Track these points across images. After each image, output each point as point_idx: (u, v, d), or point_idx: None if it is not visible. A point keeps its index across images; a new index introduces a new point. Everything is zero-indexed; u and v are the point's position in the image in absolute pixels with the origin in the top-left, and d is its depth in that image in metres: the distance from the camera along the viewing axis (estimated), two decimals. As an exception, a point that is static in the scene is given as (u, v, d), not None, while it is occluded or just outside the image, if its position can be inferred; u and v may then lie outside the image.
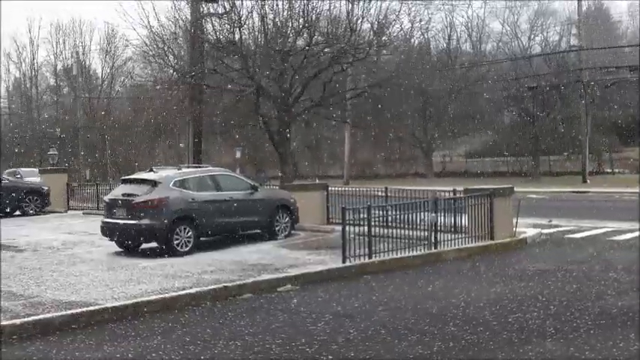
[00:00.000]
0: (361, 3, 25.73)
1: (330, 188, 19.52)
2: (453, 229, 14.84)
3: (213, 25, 25.34)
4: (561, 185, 34.21)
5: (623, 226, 17.45)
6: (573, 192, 30.69)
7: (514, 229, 15.38)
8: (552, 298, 9.67)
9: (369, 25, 26.46)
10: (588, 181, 35.50)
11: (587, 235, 16.43)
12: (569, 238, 16.10)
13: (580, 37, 40.50)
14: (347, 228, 12.43)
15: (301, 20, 25.56)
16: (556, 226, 17.85)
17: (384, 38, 28.00)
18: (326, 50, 26.15)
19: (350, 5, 25.46)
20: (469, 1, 68.35)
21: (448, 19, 56.98)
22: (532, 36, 55.55)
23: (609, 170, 42.61)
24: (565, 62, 41.56)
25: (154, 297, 9.82)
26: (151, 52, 27.09)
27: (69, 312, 8.96)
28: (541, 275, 11.47)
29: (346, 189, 21.57)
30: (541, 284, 10.68)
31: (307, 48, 25.48)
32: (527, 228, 16.32)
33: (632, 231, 16.45)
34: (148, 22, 25.56)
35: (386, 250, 12.99)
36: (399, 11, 27.11)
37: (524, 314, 8.75)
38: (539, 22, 58.02)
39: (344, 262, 12.24)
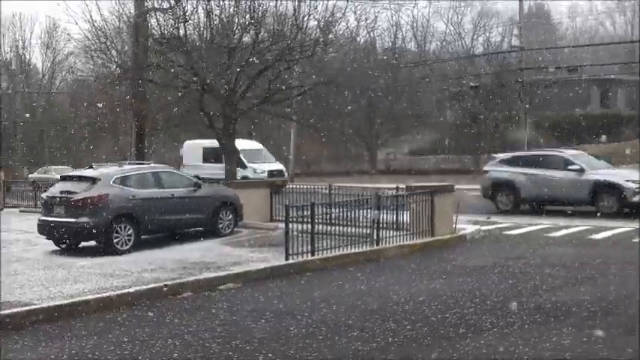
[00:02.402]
0: (308, 1, 25.79)
1: (275, 185, 19.54)
2: (395, 226, 15.03)
3: (157, 20, 24.95)
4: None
5: (559, 222, 17.93)
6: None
7: (454, 225, 15.66)
8: (489, 293, 9.88)
9: (316, 22, 26.54)
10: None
11: (525, 231, 16.83)
12: (507, 234, 16.48)
13: (521, 37, 41.40)
14: (290, 225, 12.45)
15: (247, 17, 25.41)
16: (494, 222, 18.24)
17: (330, 36, 28.10)
18: (272, 47, 26.06)
19: (297, 3, 25.47)
20: (415, 1, 69.21)
21: (394, 18, 57.70)
22: (475, 36, 56.67)
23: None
24: (506, 62, 42.44)
25: (90, 296, 9.64)
26: (93, 47, 26.51)
27: (3, 312, 8.72)
28: (479, 271, 11.71)
29: (291, 186, 21.58)
30: (479, 280, 10.91)
31: (253, 45, 25.35)
32: (467, 225, 16.62)
33: (566, 227, 16.92)
34: (91, 17, 24.94)
35: (329, 247, 13.07)
36: (346, 9, 27.22)
37: (462, 309, 8.92)
38: (482, 23, 59.25)
39: (287, 259, 12.25)
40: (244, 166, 30.51)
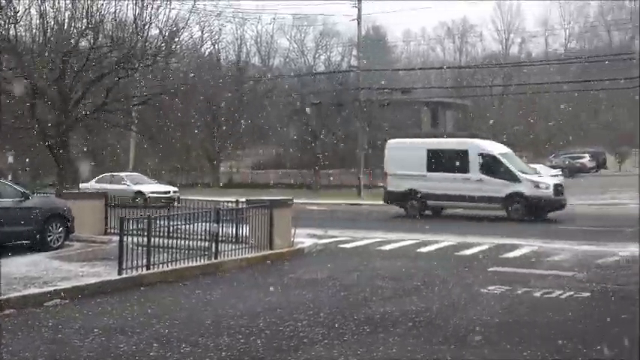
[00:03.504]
0: (149, 8, 25.29)
1: (111, 197, 18.87)
2: (234, 240, 15.05)
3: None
4: (339, 198, 36.06)
5: (390, 236, 18.81)
6: (349, 204, 32.50)
7: (292, 239, 15.95)
8: (323, 305, 10.17)
9: (158, 30, 26.09)
10: (363, 194, 37.72)
11: (359, 245, 17.47)
12: (343, 247, 17.02)
13: (359, 58, 43.08)
14: (125, 238, 12.10)
15: (85, 21, 24.47)
16: (331, 236, 18.78)
17: (173, 46, 27.70)
18: (111, 54, 25.23)
19: (137, 10, 24.89)
20: (259, 15, 69.94)
21: (239, 32, 57.89)
22: (317, 54, 58.24)
23: (382, 185, 45.59)
24: (346, 81, 43.98)
25: None
26: None
27: None
28: (314, 283, 12.01)
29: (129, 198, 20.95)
30: (313, 292, 11.19)
31: (90, 50, 24.41)
32: (305, 238, 16.99)
33: (396, 241, 17.78)
34: None
35: (166, 260, 12.83)
36: (188, 19, 27.02)
37: (296, 322, 9.10)
38: (323, 42, 61.03)
39: (120, 273, 11.86)
40: (515, 178, 23.39)
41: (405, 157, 25.07)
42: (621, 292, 11.14)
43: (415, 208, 24.81)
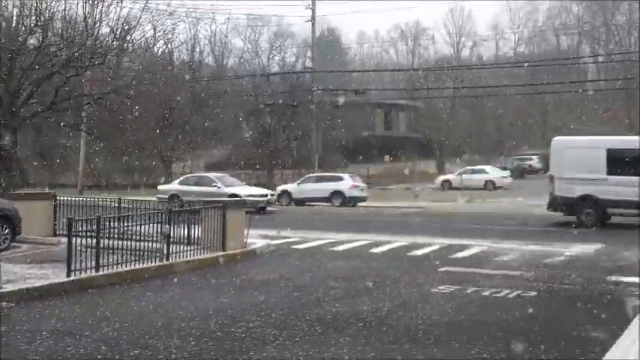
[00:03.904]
0: (100, 7, 24.90)
1: (60, 198, 18.53)
2: (186, 241, 14.93)
3: None
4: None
5: (343, 237, 18.91)
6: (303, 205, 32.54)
7: (245, 240, 15.91)
8: (275, 306, 10.18)
9: (109, 29, 25.70)
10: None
11: (312, 245, 17.51)
12: (296, 248, 17.04)
13: (313, 59, 43.19)
14: (74, 240, 11.89)
15: (33, 18, 23.96)
16: (284, 237, 18.80)
17: (124, 45, 27.32)
18: (60, 52, 24.76)
19: (87, 8, 24.48)
20: (213, 15, 69.48)
21: (192, 31, 57.39)
22: (271, 55, 58.15)
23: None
24: (300, 82, 44.04)
25: None
26: None
27: None
28: (266, 284, 12.01)
29: (79, 199, 20.57)
30: (265, 293, 11.18)
31: (39, 48, 23.92)
32: (258, 239, 16.96)
33: (349, 242, 17.89)
34: None
35: (116, 262, 12.66)
36: (140, 18, 26.71)
37: (248, 323, 9.09)
38: (278, 43, 60.98)
39: (68, 276, 11.65)
40: None
41: (577, 157, 21.65)
42: (567, 292, 11.44)
43: (592, 216, 21.56)
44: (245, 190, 28.72)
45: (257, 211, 25.28)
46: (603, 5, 79.23)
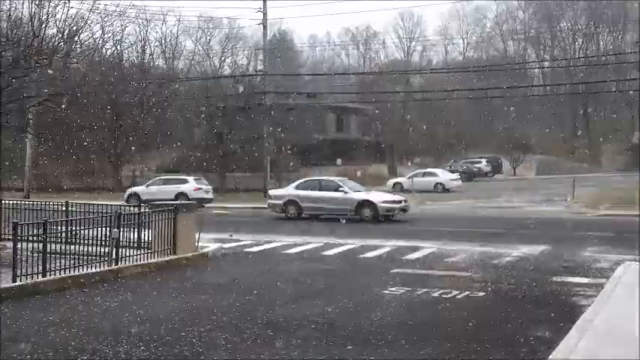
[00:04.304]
0: (47, 7, 24.39)
1: (5, 201, 18.08)
2: (136, 245, 14.73)
3: None
4: (245, 201, 35.95)
5: (296, 239, 18.93)
6: (255, 208, 32.45)
7: (196, 243, 15.78)
8: (226, 309, 10.13)
9: (56, 29, 25.21)
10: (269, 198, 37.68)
11: (264, 248, 17.50)
12: (248, 251, 17.00)
13: (265, 62, 43.14)
14: (20, 244, 11.64)
15: (-24, 18, 23.33)
16: (237, 240, 18.72)
17: (72, 45, 26.80)
18: (4, 53, 24.13)
19: (34, 7, 23.95)
20: (163, 17, 68.73)
21: (142, 32, 56.67)
22: (223, 57, 57.83)
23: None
24: (251, 85, 43.90)
25: None
26: None
27: None
28: (218, 288, 11.95)
29: (26, 202, 20.14)
30: (217, 297, 11.13)
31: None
32: (209, 243, 16.84)
33: (302, 244, 17.93)
34: None
35: (64, 267, 12.42)
36: (87, 18, 26.26)
37: (199, 327, 9.03)
38: (229, 46, 60.70)
39: (14, 281, 11.38)
40: None
41: None
42: (514, 292, 11.68)
43: None
44: (379, 197, 25.44)
45: (385, 219, 23.94)
46: (548, 13, 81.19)
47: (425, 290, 11.58)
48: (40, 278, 11.78)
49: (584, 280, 12.54)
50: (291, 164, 47.10)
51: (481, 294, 11.37)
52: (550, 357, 7.35)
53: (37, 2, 23.84)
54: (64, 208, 18.25)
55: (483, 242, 18.13)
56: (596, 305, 9.75)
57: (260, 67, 46.90)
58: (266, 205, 28.39)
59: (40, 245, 12.14)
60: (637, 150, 57.80)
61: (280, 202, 26.37)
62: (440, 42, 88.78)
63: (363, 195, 25.28)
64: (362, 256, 16.03)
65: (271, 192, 28.92)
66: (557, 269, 13.87)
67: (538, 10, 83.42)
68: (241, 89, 42.39)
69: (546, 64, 76.28)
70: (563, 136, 71.75)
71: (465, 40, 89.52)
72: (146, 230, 15.07)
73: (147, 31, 62.11)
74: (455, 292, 11.37)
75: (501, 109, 66.49)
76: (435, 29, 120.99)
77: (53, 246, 12.69)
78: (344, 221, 23.85)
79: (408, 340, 8.43)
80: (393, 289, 11.74)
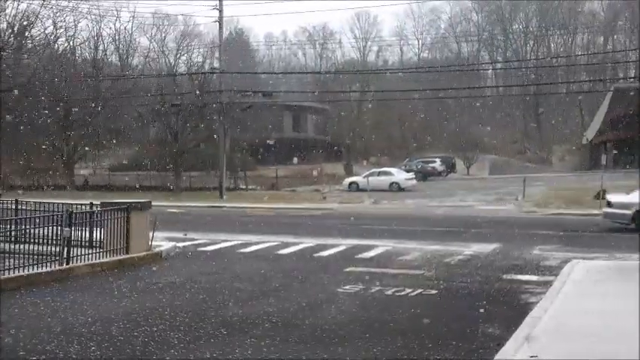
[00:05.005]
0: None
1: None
2: (88, 244, 14.52)
3: None
4: (200, 200, 35.68)
5: (252, 238, 18.89)
6: (211, 207, 32.26)
7: (150, 242, 15.61)
8: (180, 309, 10.07)
9: (6, 24, 24.64)
10: (225, 196, 37.56)
11: (220, 247, 17.41)
12: (203, 250, 16.89)
13: (221, 60, 42.83)
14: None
15: None
16: (191, 239, 18.58)
17: (23, 41, 26.24)
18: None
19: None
20: (117, 13, 67.69)
21: (95, 28, 55.71)
22: (178, 55, 57.24)
23: (244, 187, 45.65)
24: (207, 83, 43.51)
25: None
26: None
27: None
28: (171, 287, 11.86)
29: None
30: (170, 296, 11.04)
31: None
32: (163, 242, 16.68)
33: (257, 243, 17.90)
34: None
35: (12, 267, 12.16)
36: (39, 13, 25.74)
37: (151, 327, 8.95)
38: (185, 43, 60.13)
39: (-40, 281, 11.12)
40: None
41: None
42: (465, 290, 11.88)
43: None
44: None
45: None
46: (501, 15, 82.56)
47: (379, 288, 11.69)
48: (-12, 278, 11.52)
49: (534, 278, 12.82)
50: (252, 162, 46.96)
51: (433, 291, 11.53)
52: (499, 353, 7.50)
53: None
54: (13, 207, 17.87)
55: (437, 241, 18.37)
56: (545, 302, 9.99)
57: (216, 64, 46.52)
58: (222, 204, 28.24)
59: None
60: (587, 150, 59.29)
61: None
62: (395, 42, 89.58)
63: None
64: (317, 254, 16.08)
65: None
66: (507, 267, 14.15)
67: (491, 12, 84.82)
68: (197, 87, 41.96)
69: (499, 65, 77.56)
70: (515, 136, 73.15)
71: (420, 40, 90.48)
72: (99, 229, 14.87)
73: (100, 27, 61.07)
74: (408, 290, 11.51)
75: (455, 109, 67.44)
76: (391, 30, 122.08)
77: (2, 245, 12.42)
78: None
79: (362, 337, 8.51)
80: (347, 287, 11.82)
